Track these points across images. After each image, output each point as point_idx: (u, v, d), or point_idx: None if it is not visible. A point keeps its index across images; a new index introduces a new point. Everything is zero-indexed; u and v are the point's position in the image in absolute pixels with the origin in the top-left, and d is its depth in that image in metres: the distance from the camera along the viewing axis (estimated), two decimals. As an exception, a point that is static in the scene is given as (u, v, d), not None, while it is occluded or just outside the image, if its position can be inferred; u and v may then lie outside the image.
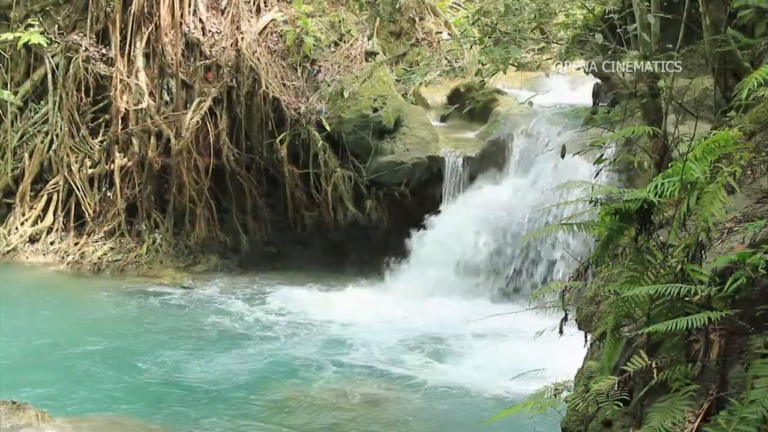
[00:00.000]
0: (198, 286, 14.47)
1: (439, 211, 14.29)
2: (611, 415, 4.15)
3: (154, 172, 15.84)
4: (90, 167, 16.10)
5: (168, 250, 15.63)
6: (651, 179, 4.59)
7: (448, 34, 17.91)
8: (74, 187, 15.99)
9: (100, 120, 16.30)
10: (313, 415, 9.21)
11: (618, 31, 8.15)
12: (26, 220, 15.97)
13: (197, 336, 11.97)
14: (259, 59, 15.50)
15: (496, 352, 10.91)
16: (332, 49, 15.88)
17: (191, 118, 15.49)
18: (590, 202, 4.71)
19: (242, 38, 15.67)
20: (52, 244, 15.86)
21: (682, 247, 4.04)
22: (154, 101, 15.95)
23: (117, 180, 15.88)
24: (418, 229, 14.20)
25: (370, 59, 15.84)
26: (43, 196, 16.07)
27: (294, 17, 15.99)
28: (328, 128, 14.97)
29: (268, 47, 15.83)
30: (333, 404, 9.48)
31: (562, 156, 8.36)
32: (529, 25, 10.19)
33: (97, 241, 15.74)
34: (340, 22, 16.10)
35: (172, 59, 15.86)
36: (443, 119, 16.37)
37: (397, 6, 15.99)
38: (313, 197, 15.48)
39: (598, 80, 13.75)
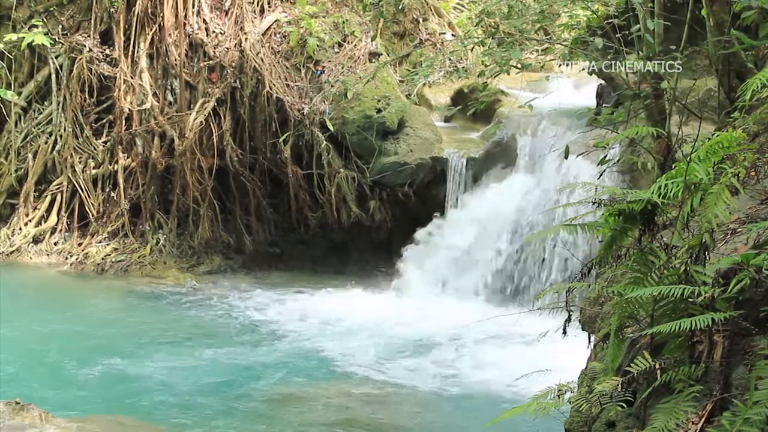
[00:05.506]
0: (201, 287, 14.48)
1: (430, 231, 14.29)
2: (614, 416, 4.15)
3: (157, 172, 15.85)
4: (94, 168, 16.11)
5: (171, 250, 15.64)
6: (655, 180, 4.60)
7: (452, 34, 17.91)
8: (78, 187, 15.99)
9: (104, 120, 16.31)
10: (314, 415, 9.21)
11: (622, 32, 8.14)
12: (30, 220, 15.98)
13: (200, 336, 11.97)
14: (262, 60, 15.51)
15: (500, 353, 10.92)
16: (336, 50, 15.88)
17: (195, 119, 15.50)
18: (594, 203, 4.71)
19: (246, 39, 15.68)
20: (55, 244, 15.87)
21: (685, 248, 4.04)
22: (158, 102, 15.97)
23: (120, 180, 15.89)
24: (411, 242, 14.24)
25: (373, 60, 15.84)
26: (46, 196, 16.08)
27: (297, 18, 16.00)
28: (331, 129, 14.98)
29: (272, 48, 15.84)
30: (335, 404, 9.49)
31: (566, 157, 8.37)
32: (533, 27, 10.20)
33: (100, 242, 15.75)
34: (343, 22, 16.11)
35: (175, 60, 15.87)
36: (447, 120, 16.37)
37: (400, 7, 15.97)
38: (316, 198, 15.48)
39: (602, 81, 13.75)
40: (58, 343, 11.34)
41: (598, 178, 7.41)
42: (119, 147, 15.99)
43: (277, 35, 16.03)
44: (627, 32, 7.89)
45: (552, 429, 5.15)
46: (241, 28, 15.91)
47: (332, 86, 15.19)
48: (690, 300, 3.85)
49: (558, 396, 4.42)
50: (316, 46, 15.64)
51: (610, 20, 8.57)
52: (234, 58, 15.69)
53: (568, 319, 5.11)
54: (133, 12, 15.92)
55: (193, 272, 15.15)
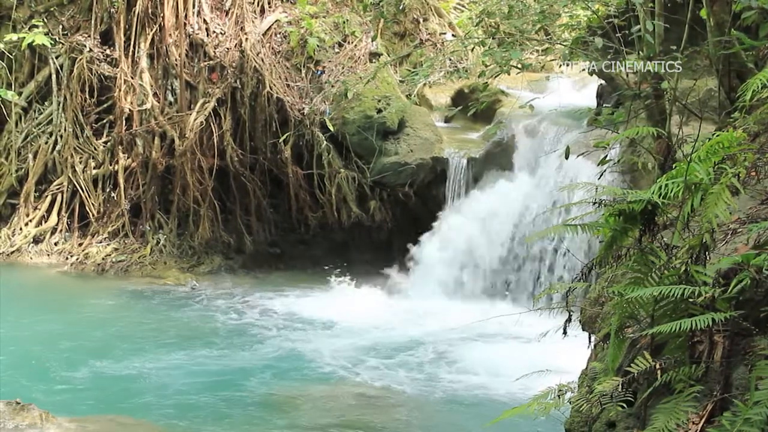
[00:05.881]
0: (202, 287, 14.48)
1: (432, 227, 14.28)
2: (615, 416, 4.15)
3: (158, 172, 15.85)
4: (94, 168, 16.11)
5: (172, 250, 15.64)
6: (655, 180, 4.59)
7: (452, 35, 17.91)
8: (78, 187, 16.00)
9: (105, 121, 16.31)
10: (313, 415, 9.22)
11: (622, 32, 8.14)
12: (30, 220, 15.99)
13: (200, 336, 11.97)
14: (263, 60, 15.52)
15: (500, 353, 10.91)
16: (336, 50, 15.89)
17: (195, 119, 15.50)
18: (595, 203, 4.70)
19: (246, 39, 15.68)
20: (56, 244, 15.87)
21: (686, 249, 4.04)
22: (158, 102, 15.97)
23: (121, 180, 15.89)
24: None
25: (374, 60, 15.84)
26: (47, 196, 16.08)
27: (298, 18, 16.00)
28: (331, 129, 14.98)
29: (272, 48, 15.84)
30: (335, 405, 9.49)
31: (566, 157, 8.36)
32: (533, 27, 10.19)
33: (101, 242, 15.75)
34: (344, 23, 16.11)
35: (176, 60, 15.88)
36: (447, 120, 16.37)
37: (401, 7, 15.97)
38: (316, 198, 15.48)
39: (602, 81, 13.75)
40: (59, 344, 11.34)
41: (599, 179, 7.40)
42: (119, 147, 15.99)
43: (278, 35, 16.03)
44: (627, 32, 7.89)
45: (552, 429, 5.15)
46: (242, 28, 15.91)
47: (332, 86, 15.19)
48: (690, 300, 3.85)
49: (558, 396, 4.42)
50: (316, 46, 15.64)
51: (610, 20, 8.57)
52: (234, 59, 15.69)
53: (569, 320, 5.11)
54: (134, 12, 15.92)
55: (193, 272, 15.15)
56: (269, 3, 16.29)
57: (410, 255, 14.16)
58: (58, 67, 16.27)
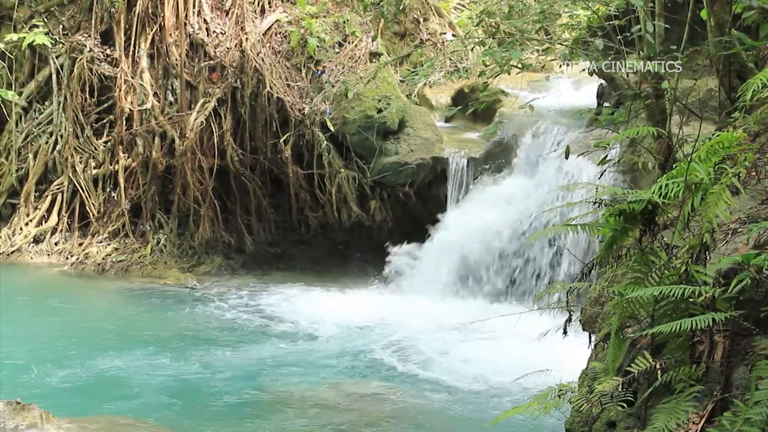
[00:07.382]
0: (202, 287, 14.48)
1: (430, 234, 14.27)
2: (615, 416, 4.15)
3: (158, 172, 15.85)
4: (94, 168, 16.11)
5: (172, 250, 15.64)
6: (655, 180, 4.59)
7: (452, 34, 17.91)
8: (78, 187, 16.00)
9: (105, 120, 16.32)
10: (313, 415, 9.21)
11: (622, 32, 8.14)
12: (30, 220, 15.99)
13: (200, 337, 11.98)
14: (263, 60, 15.51)
15: (500, 353, 10.90)
16: (336, 50, 15.88)
17: (195, 119, 15.50)
18: (595, 203, 4.70)
19: (246, 39, 15.68)
20: (56, 244, 15.87)
21: (686, 248, 4.04)
22: (159, 102, 15.97)
23: (121, 180, 15.90)
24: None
25: (374, 60, 15.84)
26: (47, 196, 16.08)
27: (298, 18, 16.00)
28: (332, 129, 14.98)
29: (273, 48, 15.84)
30: (334, 405, 9.47)
31: (566, 157, 8.37)
32: (533, 27, 10.19)
33: (101, 242, 15.75)
34: (344, 22, 16.11)
35: (176, 60, 15.88)
36: (447, 120, 16.37)
37: (401, 7, 15.99)
38: (317, 198, 15.48)
39: (603, 81, 13.74)
40: (59, 343, 11.34)
41: (599, 178, 7.41)
42: (120, 147, 16.00)
43: (278, 35, 16.03)
44: (628, 32, 7.89)
45: (553, 429, 5.15)
46: (242, 28, 15.91)
47: (333, 86, 15.19)
48: (691, 300, 3.85)
49: (559, 396, 4.42)
50: (316, 46, 15.64)
51: (610, 20, 8.57)
52: (234, 58, 15.69)
53: (569, 319, 5.11)
54: (134, 12, 15.92)
55: (193, 272, 15.15)
56: (269, 3, 16.29)
57: (405, 255, 14.18)
58: (59, 67, 16.27)
